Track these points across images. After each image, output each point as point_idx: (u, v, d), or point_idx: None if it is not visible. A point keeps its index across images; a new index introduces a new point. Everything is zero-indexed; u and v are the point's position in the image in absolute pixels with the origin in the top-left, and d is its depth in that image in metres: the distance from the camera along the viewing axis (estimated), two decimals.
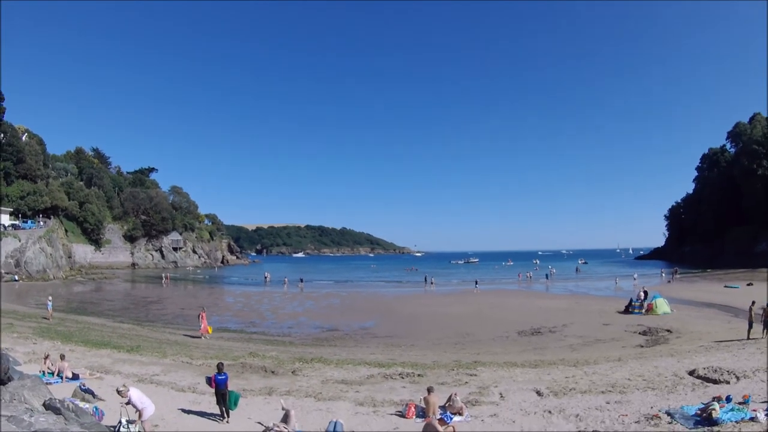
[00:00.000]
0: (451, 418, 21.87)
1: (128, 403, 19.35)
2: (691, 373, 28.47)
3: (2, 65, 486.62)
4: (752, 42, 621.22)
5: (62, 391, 23.03)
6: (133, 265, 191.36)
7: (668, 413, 21.10)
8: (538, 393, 25.92)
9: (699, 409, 20.88)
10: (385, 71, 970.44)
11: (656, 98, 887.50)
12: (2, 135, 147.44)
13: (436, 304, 79.27)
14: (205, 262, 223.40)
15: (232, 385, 24.00)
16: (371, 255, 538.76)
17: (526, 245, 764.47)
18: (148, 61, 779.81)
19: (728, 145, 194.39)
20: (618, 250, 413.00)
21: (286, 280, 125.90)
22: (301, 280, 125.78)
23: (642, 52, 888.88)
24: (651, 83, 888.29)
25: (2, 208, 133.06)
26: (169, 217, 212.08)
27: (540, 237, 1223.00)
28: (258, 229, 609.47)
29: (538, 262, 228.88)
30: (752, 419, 19.31)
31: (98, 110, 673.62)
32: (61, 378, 28.13)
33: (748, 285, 79.49)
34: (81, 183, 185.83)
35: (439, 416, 21.44)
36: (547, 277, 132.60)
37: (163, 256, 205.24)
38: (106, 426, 19.44)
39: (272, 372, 32.60)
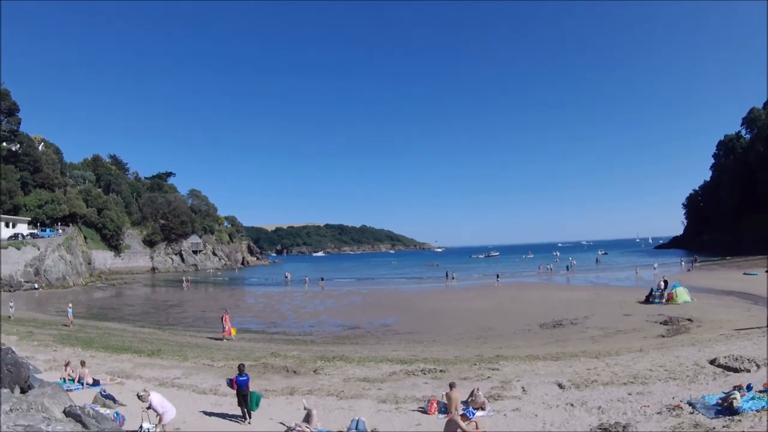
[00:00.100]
0: (474, 414, 21.59)
1: (149, 407, 19.40)
2: (712, 362, 28.22)
3: (18, 77, 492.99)
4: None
5: (83, 398, 22.99)
6: (153, 269, 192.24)
7: (690, 403, 20.97)
8: (560, 386, 25.83)
9: (720, 399, 20.70)
10: (403, 67, 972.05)
11: (672, 86, 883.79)
12: (18, 145, 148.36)
13: (457, 299, 79.02)
14: (225, 264, 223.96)
15: (253, 386, 24.14)
16: (392, 252, 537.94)
17: (546, 237, 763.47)
18: (160, 66, 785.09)
19: (743, 131, 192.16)
20: (638, 240, 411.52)
21: (306, 279, 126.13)
22: (322, 279, 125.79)
23: (656, 39, 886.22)
24: (667, 71, 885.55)
25: (20, 218, 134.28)
26: (188, 220, 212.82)
27: (560, 229, 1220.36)
28: (278, 229, 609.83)
29: (558, 254, 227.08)
30: None
31: (114, 118, 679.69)
32: (82, 384, 28.36)
33: (767, 272, 78.75)
34: (99, 190, 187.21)
35: (461, 412, 21.15)
36: (567, 269, 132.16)
37: (183, 260, 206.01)
38: (127, 431, 19.51)
39: (294, 372, 32.60)
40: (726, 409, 19.69)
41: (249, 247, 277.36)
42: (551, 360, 32.80)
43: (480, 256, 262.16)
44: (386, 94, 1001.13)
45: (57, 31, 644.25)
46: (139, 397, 19.59)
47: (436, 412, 22.82)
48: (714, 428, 18.25)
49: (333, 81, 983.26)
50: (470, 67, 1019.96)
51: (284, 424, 21.58)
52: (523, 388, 26.05)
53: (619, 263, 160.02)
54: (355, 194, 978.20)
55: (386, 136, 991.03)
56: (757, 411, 19.04)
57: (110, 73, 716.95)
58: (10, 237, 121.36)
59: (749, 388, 21.30)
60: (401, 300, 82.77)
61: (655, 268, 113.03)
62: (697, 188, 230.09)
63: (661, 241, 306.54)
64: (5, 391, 17.25)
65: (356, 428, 20.21)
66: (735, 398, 19.92)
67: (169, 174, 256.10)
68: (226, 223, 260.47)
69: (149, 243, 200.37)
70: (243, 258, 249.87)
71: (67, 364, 30.43)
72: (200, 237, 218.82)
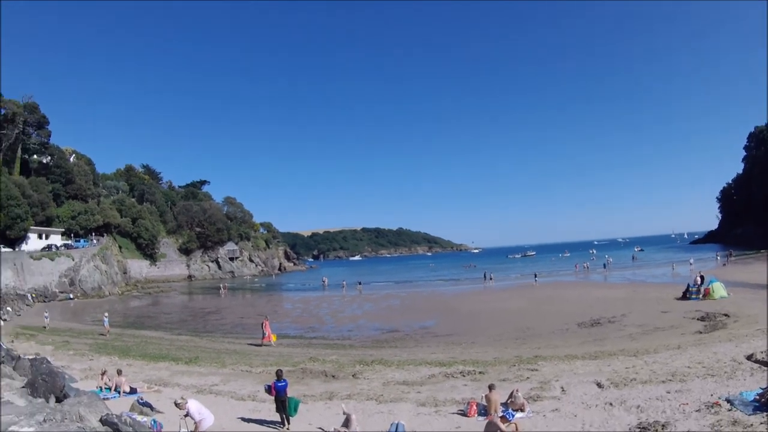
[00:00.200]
0: (513, 415, 21.61)
1: (187, 415, 19.45)
2: (749, 357, 27.83)
3: (50, 91, 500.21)
4: None
5: (120, 406, 23.12)
6: (190, 277, 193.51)
7: (728, 400, 20.75)
8: (599, 385, 25.80)
9: (758, 395, 20.44)
10: (434, 68, 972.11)
11: (702, 78, 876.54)
12: (49, 157, 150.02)
13: (495, 300, 78.84)
14: (262, 270, 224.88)
15: (292, 391, 24.23)
16: (429, 254, 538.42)
17: (583, 235, 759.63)
18: (191, 76, 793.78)
19: None
20: (673, 236, 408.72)
21: (344, 283, 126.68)
22: (360, 283, 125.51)
23: (691, 33, 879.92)
24: (701, 63, 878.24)
25: (53, 229, 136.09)
26: (224, 227, 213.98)
27: (595, 226, 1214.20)
28: (314, 234, 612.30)
29: (594, 252, 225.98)
30: None
31: (147, 129, 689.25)
32: (119, 393, 28.50)
33: None
34: (133, 200, 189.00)
35: (501, 413, 21.19)
36: (604, 267, 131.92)
37: (219, 267, 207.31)
38: None
39: (333, 376, 32.58)
40: (764, 405, 19.46)
41: (286, 252, 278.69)
42: (590, 359, 32.87)
43: (517, 256, 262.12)
44: (422, 95, 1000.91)
45: (86, 46, 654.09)
46: (176, 404, 19.66)
47: (476, 415, 22.77)
48: (752, 425, 18.13)
49: (366, 82, 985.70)
50: (502, 66, 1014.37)
51: (323, 429, 21.67)
52: (562, 388, 26.06)
53: (656, 260, 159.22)
54: (391, 196, 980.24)
55: (422, 136, 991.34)
56: None
57: (140, 85, 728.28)
58: (44, 248, 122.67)
59: None
60: (439, 302, 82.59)
61: (691, 264, 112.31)
62: (730, 181, 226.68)
63: (696, 236, 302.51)
64: (39, 400, 17.22)
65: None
66: None
67: (204, 182, 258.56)
68: (262, 230, 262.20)
69: (185, 251, 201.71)
70: (280, 264, 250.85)
71: (103, 373, 30.61)
72: (236, 244, 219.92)
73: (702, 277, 63.64)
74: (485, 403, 22.58)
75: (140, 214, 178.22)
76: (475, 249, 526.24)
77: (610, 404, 22.31)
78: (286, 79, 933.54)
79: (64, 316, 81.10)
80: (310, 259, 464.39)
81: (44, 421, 12.29)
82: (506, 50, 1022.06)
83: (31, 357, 31.37)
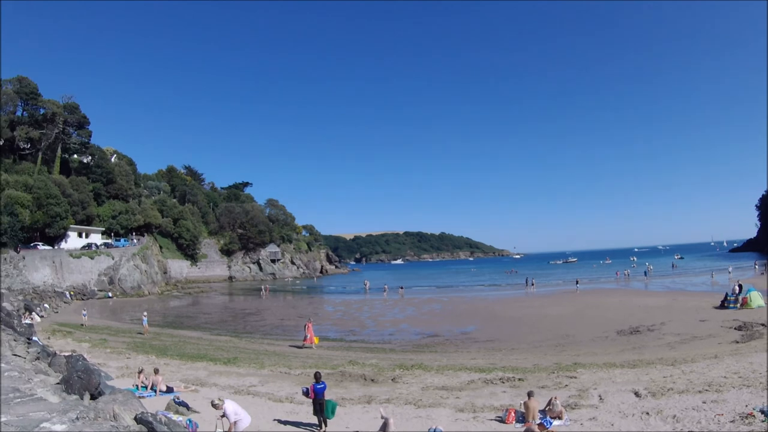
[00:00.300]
0: (551, 423, 22.00)
1: (223, 415, 19.42)
2: None
3: (94, 91, 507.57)
4: None
5: (155, 405, 23.25)
6: (231, 278, 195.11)
7: (762, 411, 20.79)
8: (637, 394, 25.91)
9: None
10: (476, 69, 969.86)
11: (743, 83, 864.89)
12: (90, 157, 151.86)
13: (536, 306, 78.71)
14: (303, 272, 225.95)
15: (331, 394, 24.36)
16: (471, 259, 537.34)
17: (623, 242, 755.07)
18: (235, 80, 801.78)
19: None
20: (712, 243, 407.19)
21: (385, 287, 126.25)
22: (401, 287, 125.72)
23: (733, 37, 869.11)
24: (740, 68, 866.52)
25: (93, 228, 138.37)
26: (266, 229, 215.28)
27: (636, 233, 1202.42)
28: (356, 237, 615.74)
29: (635, 259, 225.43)
30: None
31: (190, 131, 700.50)
32: (155, 392, 28.63)
33: None
34: (174, 200, 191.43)
35: (539, 421, 21.61)
36: (645, 275, 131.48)
37: (260, 269, 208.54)
38: None
39: (372, 380, 32.65)
40: None
41: (327, 255, 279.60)
42: (628, 367, 32.93)
43: (558, 262, 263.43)
44: (463, 96, 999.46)
45: (131, 50, 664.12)
46: (213, 405, 19.69)
47: (514, 421, 22.89)
48: None
49: (409, 82, 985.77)
50: (548, 70, 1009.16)
51: None
52: (600, 396, 26.20)
53: (695, 268, 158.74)
54: (434, 201, 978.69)
55: (465, 141, 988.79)
56: None
57: (184, 88, 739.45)
58: (84, 247, 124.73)
59: None
60: (481, 307, 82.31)
61: (730, 272, 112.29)
62: None
63: (735, 244, 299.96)
64: (73, 397, 17.16)
65: None
66: None
67: (246, 184, 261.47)
68: (304, 232, 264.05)
69: (226, 252, 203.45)
70: (321, 266, 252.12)
71: (140, 372, 30.68)
72: (278, 246, 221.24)
73: (740, 286, 63.45)
74: (523, 410, 22.67)
75: (182, 214, 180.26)
76: (517, 254, 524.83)
77: (647, 413, 22.45)
78: (331, 81, 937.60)
79: (103, 314, 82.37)
80: (352, 262, 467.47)
81: (77, 418, 12.16)
82: (555, 52, 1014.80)
83: (67, 354, 31.56)
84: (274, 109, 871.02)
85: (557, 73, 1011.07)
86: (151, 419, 15.08)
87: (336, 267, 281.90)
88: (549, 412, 22.67)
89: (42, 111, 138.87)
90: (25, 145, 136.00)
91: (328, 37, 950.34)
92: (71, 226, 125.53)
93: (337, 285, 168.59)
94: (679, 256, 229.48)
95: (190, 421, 21.69)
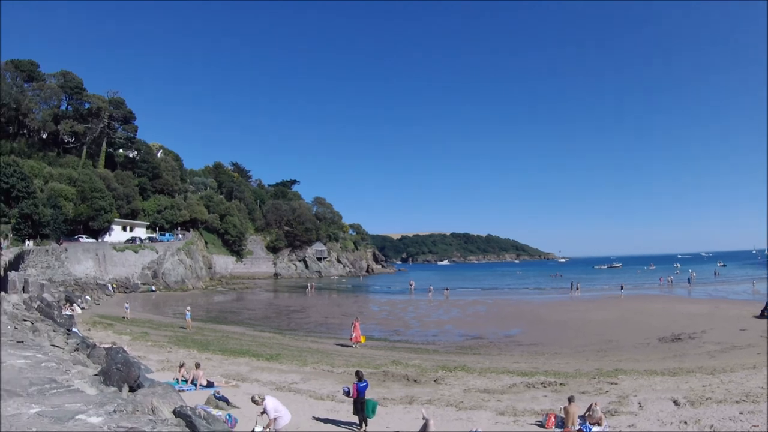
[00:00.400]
0: (590, 429, 22.11)
1: (263, 412, 19.44)
2: None
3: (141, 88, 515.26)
4: None
5: (195, 399, 23.37)
6: (276, 275, 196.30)
7: None
8: (676, 402, 25.86)
9: None
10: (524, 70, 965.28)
11: None
12: (136, 152, 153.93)
13: (580, 310, 78.40)
14: (349, 271, 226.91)
15: (372, 394, 24.36)
16: (516, 261, 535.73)
17: (666, 248, 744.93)
18: (283, 78, 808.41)
19: None
20: (754, 252, 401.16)
21: (431, 288, 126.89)
22: (447, 289, 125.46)
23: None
24: None
25: (138, 222, 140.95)
26: (312, 227, 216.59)
27: (679, 239, 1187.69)
28: (403, 237, 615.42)
29: (679, 266, 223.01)
30: None
31: (238, 128, 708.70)
32: (195, 386, 28.70)
33: None
34: (221, 196, 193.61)
35: (578, 426, 21.94)
36: (689, 282, 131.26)
37: (306, 266, 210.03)
38: None
39: (414, 381, 32.62)
40: None
41: (374, 254, 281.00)
42: (669, 375, 32.95)
43: (603, 267, 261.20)
44: (511, 96, 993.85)
45: (179, 48, 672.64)
46: (253, 400, 19.85)
47: (553, 426, 22.85)
48: None
49: (454, 82, 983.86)
50: (605, 68, 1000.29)
51: None
52: (639, 403, 26.07)
53: (737, 276, 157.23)
54: (481, 202, 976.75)
55: (512, 142, 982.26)
56: None
57: (234, 86, 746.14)
58: (128, 240, 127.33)
59: None
60: (525, 311, 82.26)
61: None
62: None
63: None
64: (112, 389, 17.15)
65: None
66: None
67: (294, 182, 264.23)
68: (351, 231, 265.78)
69: (272, 249, 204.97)
70: (368, 266, 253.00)
71: (181, 366, 30.99)
72: (325, 244, 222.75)
73: None
74: (563, 416, 22.66)
75: (228, 210, 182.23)
76: (562, 258, 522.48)
77: (685, 422, 22.54)
78: (379, 81, 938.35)
79: (145, 308, 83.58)
80: (399, 262, 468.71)
81: (114, 411, 12.06)
82: (605, 52, 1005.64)
83: (107, 346, 31.81)
84: (325, 107, 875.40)
85: (616, 69, 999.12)
86: (189, 413, 15.02)
87: (382, 266, 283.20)
88: (589, 418, 22.72)
89: (87, 105, 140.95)
90: (70, 139, 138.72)
91: (381, 37, 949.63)
92: (116, 219, 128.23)
93: (383, 285, 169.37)
94: (721, 264, 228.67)
95: (229, 416, 21.82)
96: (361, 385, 22.65)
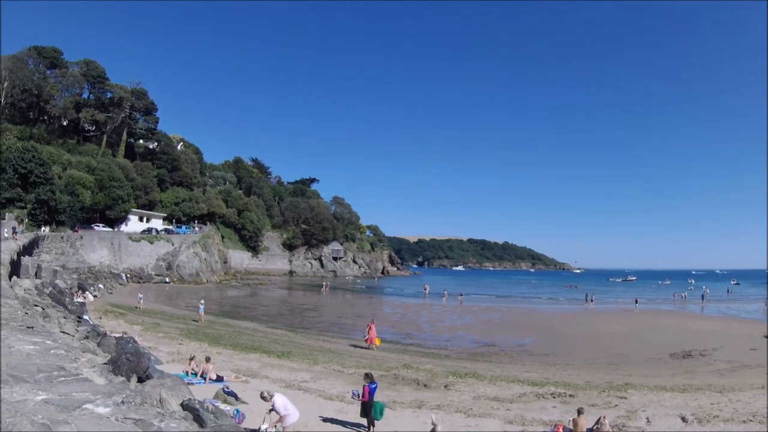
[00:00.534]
0: None
1: (272, 409, 19.48)
2: None
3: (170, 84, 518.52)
4: None
5: (204, 393, 23.44)
6: (291, 272, 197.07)
7: None
8: (684, 419, 26.05)
9: None
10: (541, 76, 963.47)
11: None
12: (156, 143, 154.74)
13: (594, 323, 78.44)
14: (365, 272, 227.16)
15: (382, 396, 24.48)
16: (532, 270, 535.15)
17: (681, 264, 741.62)
18: (305, 79, 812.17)
19: None
20: None
21: (445, 293, 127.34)
22: (461, 294, 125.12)
23: None
24: None
25: (155, 213, 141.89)
26: (330, 227, 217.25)
27: (693, 255, 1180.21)
28: (420, 241, 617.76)
29: (693, 282, 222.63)
30: None
31: (260, 125, 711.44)
32: (204, 379, 28.76)
33: None
34: (240, 191, 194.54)
35: None
36: (702, 298, 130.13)
37: (322, 265, 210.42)
38: (244, 428, 19.30)
39: (424, 385, 32.73)
40: None
41: (390, 257, 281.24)
42: (678, 392, 33.07)
43: (618, 280, 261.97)
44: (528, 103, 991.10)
45: (202, 44, 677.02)
46: (262, 397, 19.87)
47: None
48: None
49: (473, 88, 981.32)
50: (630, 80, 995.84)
51: None
52: (647, 419, 26.26)
53: (750, 294, 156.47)
54: (498, 209, 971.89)
55: (526, 154, 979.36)
56: None
57: (259, 83, 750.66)
58: (144, 231, 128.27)
59: None
60: (539, 320, 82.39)
61: None
62: None
63: None
64: (120, 379, 17.09)
65: None
66: None
67: (313, 180, 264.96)
68: (368, 232, 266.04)
69: (289, 246, 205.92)
70: (383, 267, 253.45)
71: (191, 359, 30.95)
72: (341, 244, 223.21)
73: None
74: (572, 427, 22.59)
75: (246, 206, 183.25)
76: (577, 269, 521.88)
77: None
78: (403, 84, 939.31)
79: (158, 299, 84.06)
80: (414, 265, 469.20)
81: (122, 402, 11.95)
82: (629, 65, 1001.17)
83: (117, 335, 31.88)
84: (348, 107, 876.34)
85: (640, 83, 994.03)
86: (197, 406, 14.98)
87: (398, 269, 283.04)
88: (597, 430, 22.52)
89: (109, 95, 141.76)
90: (90, 128, 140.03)
91: (401, 35, 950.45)
92: (133, 209, 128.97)
93: (397, 287, 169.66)
94: (735, 282, 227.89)
95: (237, 411, 21.92)
96: (372, 386, 22.60)
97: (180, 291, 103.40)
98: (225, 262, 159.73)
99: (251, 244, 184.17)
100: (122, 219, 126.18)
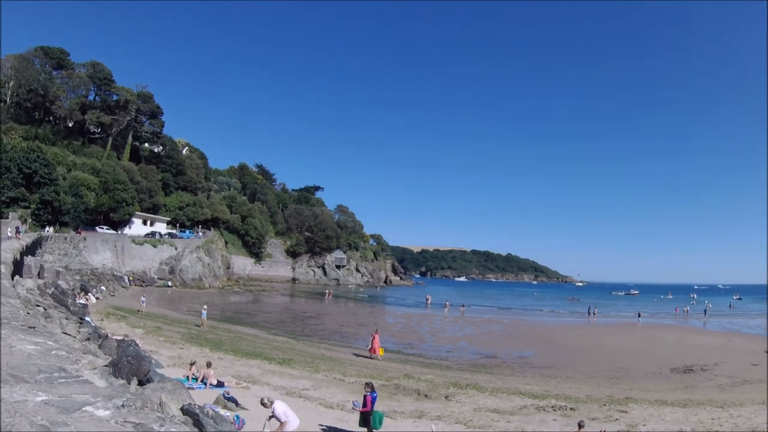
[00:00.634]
0: None
1: (272, 416, 19.48)
2: None
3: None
4: None
5: (204, 398, 23.38)
6: (294, 279, 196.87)
7: None
8: None
9: None
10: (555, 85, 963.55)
11: None
12: (161, 147, 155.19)
13: (596, 336, 78.64)
14: (368, 281, 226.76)
15: (383, 406, 24.55)
16: (534, 282, 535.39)
17: (683, 278, 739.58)
18: (311, 85, 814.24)
19: None
20: None
21: (447, 303, 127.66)
22: (463, 305, 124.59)
23: None
24: None
25: (159, 217, 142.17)
26: (333, 235, 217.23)
27: (695, 270, 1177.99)
28: (423, 251, 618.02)
29: (695, 296, 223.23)
30: None
31: (266, 131, 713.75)
32: (205, 384, 28.76)
33: None
34: (244, 197, 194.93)
35: None
36: (705, 313, 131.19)
37: (325, 273, 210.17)
38: None
39: (425, 396, 32.72)
40: None
41: (393, 266, 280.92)
42: (679, 406, 33.15)
43: (620, 294, 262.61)
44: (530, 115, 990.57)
45: (207, 48, 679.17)
46: (262, 403, 19.83)
47: None
48: None
49: (482, 97, 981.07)
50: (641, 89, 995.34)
51: None
52: None
53: (751, 310, 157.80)
54: (502, 221, 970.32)
55: (531, 165, 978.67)
56: None
57: (265, 90, 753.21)
58: (147, 234, 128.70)
59: None
60: (540, 333, 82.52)
61: None
62: None
63: None
64: (120, 382, 17.04)
65: None
66: None
67: (317, 188, 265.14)
68: (371, 241, 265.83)
69: (292, 254, 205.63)
70: (386, 277, 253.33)
71: (192, 364, 30.98)
72: (344, 252, 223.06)
73: None
74: None
75: (250, 212, 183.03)
76: (580, 282, 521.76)
77: None
78: (409, 89, 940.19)
79: (160, 303, 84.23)
80: (417, 275, 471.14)
81: (122, 405, 11.88)
82: (632, 71, 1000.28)
83: (119, 338, 31.89)
84: (353, 113, 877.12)
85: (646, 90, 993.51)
86: (197, 411, 14.91)
87: (401, 278, 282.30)
88: None
89: (115, 97, 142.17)
90: (96, 129, 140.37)
91: (408, 42, 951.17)
92: (137, 212, 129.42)
93: (399, 297, 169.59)
94: (737, 297, 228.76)
95: (237, 417, 21.85)
96: (374, 394, 22.53)
97: (182, 295, 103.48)
98: (228, 268, 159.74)
99: (254, 251, 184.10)
100: (126, 222, 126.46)
